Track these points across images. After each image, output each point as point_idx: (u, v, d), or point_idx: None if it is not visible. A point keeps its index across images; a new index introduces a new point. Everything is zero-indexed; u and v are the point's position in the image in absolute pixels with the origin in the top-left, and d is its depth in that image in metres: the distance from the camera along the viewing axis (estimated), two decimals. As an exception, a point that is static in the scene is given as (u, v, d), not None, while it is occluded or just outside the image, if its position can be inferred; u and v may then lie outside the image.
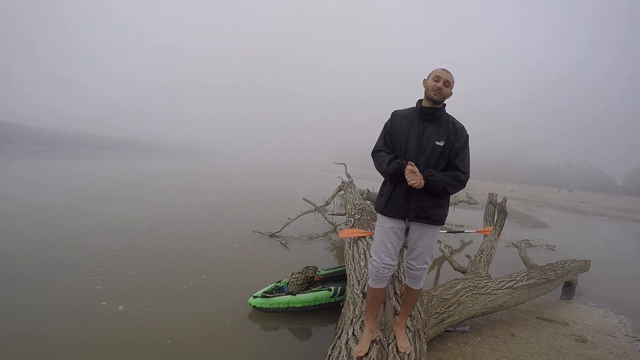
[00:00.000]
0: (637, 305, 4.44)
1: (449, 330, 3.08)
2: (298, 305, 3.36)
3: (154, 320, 3.03)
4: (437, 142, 1.91)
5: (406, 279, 2.15)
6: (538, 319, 3.72)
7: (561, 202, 26.88)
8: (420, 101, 2.01)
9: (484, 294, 3.24)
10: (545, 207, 20.26)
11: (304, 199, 8.16)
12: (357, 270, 3.16)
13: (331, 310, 3.46)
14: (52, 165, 22.70)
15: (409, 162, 1.87)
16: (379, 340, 2.12)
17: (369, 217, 4.97)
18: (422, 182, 1.84)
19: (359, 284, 2.90)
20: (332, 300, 3.49)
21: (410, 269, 2.08)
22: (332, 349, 2.15)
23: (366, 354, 1.99)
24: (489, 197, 5.32)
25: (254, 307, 3.29)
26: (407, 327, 2.28)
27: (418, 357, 2.08)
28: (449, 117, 2.00)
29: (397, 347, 2.08)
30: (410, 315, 2.40)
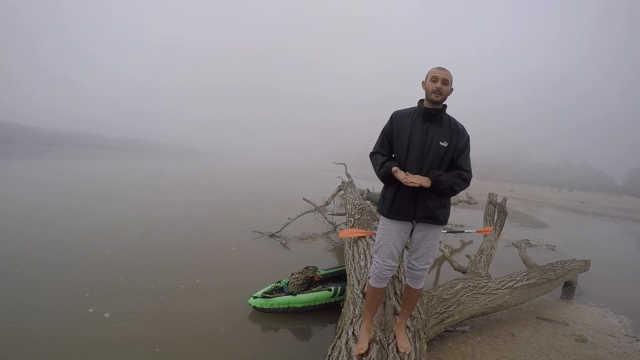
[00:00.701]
0: (637, 305, 4.44)
1: (449, 330, 3.08)
2: (298, 305, 3.36)
3: (141, 327, 2.91)
4: (441, 143, 1.92)
5: (407, 279, 2.15)
6: (538, 319, 3.72)
7: (561, 202, 26.88)
8: (421, 101, 2.01)
9: (484, 294, 3.24)
10: (545, 207, 20.26)
11: (304, 199, 8.16)
12: (357, 270, 3.16)
13: (331, 310, 3.46)
14: (51, 165, 22.72)
15: (395, 169, 1.87)
16: (379, 340, 2.12)
17: (369, 217, 4.97)
18: (426, 182, 1.84)
19: (359, 284, 2.90)
20: (332, 300, 3.49)
21: (412, 269, 2.08)
22: (332, 348, 2.15)
23: (366, 352, 1.99)
24: (489, 197, 5.33)
25: (254, 307, 3.28)
26: (407, 327, 2.28)
27: (418, 357, 2.08)
28: (450, 118, 2.01)
29: (397, 347, 2.08)
30: (410, 315, 2.40)
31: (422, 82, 1.98)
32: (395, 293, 2.69)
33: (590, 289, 4.86)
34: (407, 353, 2.05)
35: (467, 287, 3.19)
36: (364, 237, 3.87)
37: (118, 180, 15.33)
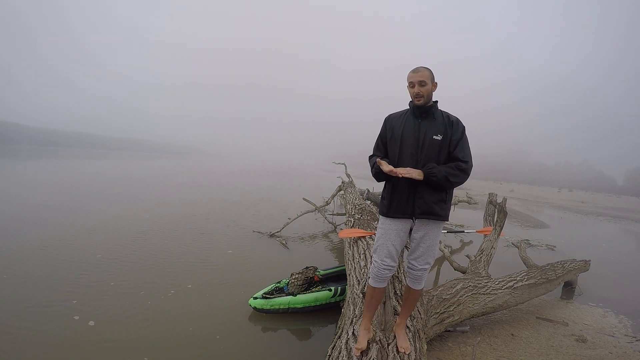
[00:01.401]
0: (637, 306, 4.44)
1: (449, 330, 3.08)
2: (299, 305, 3.36)
3: (127, 335, 2.78)
4: (434, 137, 1.91)
5: (407, 279, 2.15)
6: (538, 319, 3.72)
7: (561, 202, 26.88)
8: (412, 101, 2.01)
9: (484, 294, 3.24)
10: (545, 207, 20.26)
11: (304, 199, 8.16)
12: (357, 270, 3.16)
13: (331, 311, 3.46)
14: (49, 165, 22.73)
15: (379, 161, 1.89)
16: (379, 340, 2.12)
17: (369, 217, 4.97)
18: (417, 174, 1.83)
19: (359, 284, 2.90)
20: (333, 300, 3.49)
21: (412, 269, 2.07)
22: (332, 348, 2.15)
23: (365, 351, 1.99)
24: (489, 197, 5.33)
25: (255, 308, 3.27)
26: (407, 327, 2.28)
27: (418, 357, 2.08)
28: (443, 112, 2.00)
29: (397, 347, 2.08)
30: (410, 315, 2.40)
31: (407, 86, 2.00)
32: (395, 293, 2.69)
33: (590, 289, 4.86)
34: (407, 353, 2.05)
35: (467, 287, 3.19)
36: (364, 237, 3.87)
37: (116, 180, 15.30)
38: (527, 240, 7.88)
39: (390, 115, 2.11)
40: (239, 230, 6.84)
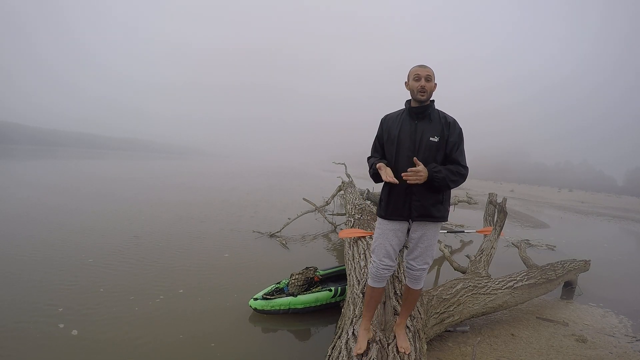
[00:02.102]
0: (638, 305, 4.44)
1: (449, 330, 3.08)
2: (299, 306, 3.35)
3: (113, 344, 2.64)
4: (431, 139, 1.89)
5: (406, 279, 2.15)
6: (538, 319, 3.72)
7: (561, 202, 26.88)
8: (408, 101, 2.01)
9: (484, 294, 3.24)
10: (545, 207, 20.26)
11: (304, 199, 8.17)
12: (357, 270, 3.16)
13: (331, 311, 3.46)
14: (46, 165, 22.74)
15: (379, 165, 1.89)
16: (379, 340, 2.12)
17: (369, 217, 4.97)
18: (422, 172, 1.81)
19: (359, 284, 2.90)
20: (333, 300, 3.49)
21: (411, 269, 2.07)
22: (332, 349, 2.15)
23: (365, 352, 1.99)
24: (489, 197, 5.33)
25: (255, 309, 3.26)
26: (407, 327, 2.28)
27: (418, 357, 2.08)
28: (440, 113, 1.98)
29: (397, 347, 2.08)
30: (410, 315, 2.40)
31: (405, 82, 1.98)
32: (395, 293, 2.69)
33: (591, 289, 4.86)
34: (407, 353, 2.04)
35: (467, 287, 3.19)
36: (364, 237, 3.87)
37: (113, 180, 15.25)
38: (527, 240, 7.88)
39: (386, 116, 2.10)
40: (237, 231, 6.82)
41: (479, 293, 3.22)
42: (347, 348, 2.07)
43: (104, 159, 40.05)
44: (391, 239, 2.01)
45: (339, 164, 10.39)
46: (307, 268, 3.66)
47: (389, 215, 1.99)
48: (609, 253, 8.00)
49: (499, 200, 4.56)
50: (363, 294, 2.64)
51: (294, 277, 3.52)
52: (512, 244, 7.19)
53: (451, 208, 9.95)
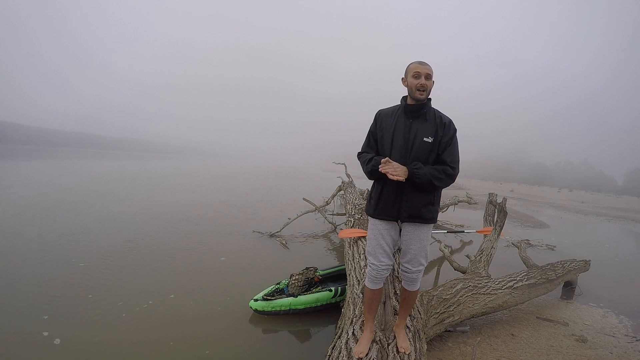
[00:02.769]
0: (638, 305, 4.44)
1: (449, 330, 3.08)
2: (300, 306, 3.35)
3: (98, 354, 2.53)
4: (425, 139, 1.86)
5: (403, 281, 2.14)
6: (538, 319, 3.72)
7: (561, 202, 26.87)
8: (404, 98, 1.96)
9: (484, 294, 3.24)
10: (545, 207, 20.25)
11: (304, 199, 8.17)
12: (357, 270, 3.16)
13: (331, 311, 3.45)
14: (44, 166, 22.72)
15: (385, 158, 1.83)
16: (379, 340, 2.12)
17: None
18: (402, 170, 1.78)
19: (359, 283, 2.90)
20: (333, 300, 3.48)
21: (407, 272, 2.05)
22: (332, 348, 2.15)
23: (366, 355, 1.99)
24: (489, 197, 5.33)
25: (255, 310, 3.24)
26: (407, 327, 2.28)
27: (418, 357, 2.07)
28: (436, 112, 1.94)
29: (397, 347, 2.08)
30: (410, 315, 2.40)
31: (402, 78, 1.93)
32: (395, 293, 2.69)
33: (591, 289, 4.86)
34: (407, 353, 2.04)
35: (467, 287, 3.19)
36: (364, 237, 3.87)
37: (111, 180, 15.23)
38: (527, 240, 7.88)
39: (380, 112, 2.03)
40: (236, 231, 6.81)
41: (479, 293, 3.22)
42: (347, 348, 2.06)
43: (104, 159, 40.04)
44: (386, 238, 2.01)
45: (339, 164, 10.39)
46: (307, 268, 3.66)
47: (377, 214, 1.98)
48: (610, 253, 8.00)
49: (499, 200, 4.56)
50: (363, 293, 2.64)
51: (294, 278, 3.51)
52: (512, 244, 7.19)
53: (451, 208, 9.99)
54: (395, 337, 2.16)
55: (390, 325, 2.28)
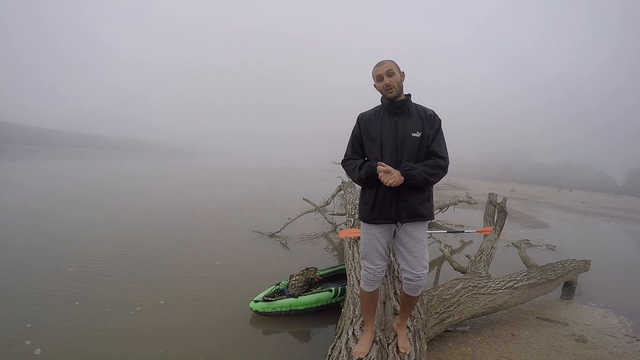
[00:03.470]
0: (638, 305, 4.44)
1: (449, 330, 3.08)
2: (301, 307, 3.35)
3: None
4: (413, 134, 1.85)
5: (404, 287, 2.06)
6: (538, 319, 3.72)
7: (561, 202, 26.85)
8: (384, 97, 1.94)
9: (484, 294, 3.24)
10: (545, 207, 20.23)
11: (304, 199, 8.17)
12: (357, 270, 3.16)
13: (331, 311, 3.46)
14: (42, 165, 22.71)
15: (378, 163, 1.81)
16: (379, 340, 2.12)
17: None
18: (400, 178, 1.77)
19: (359, 283, 2.90)
20: (333, 300, 3.49)
21: (411, 280, 1.95)
22: (332, 349, 2.15)
23: (366, 355, 1.99)
24: (489, 197, 5.33)
25: (256, 311, 3.24)
26: (407, 327, 2.28)
27: (418, 357, 2.07)
28: (418, 106, 1.94)
29: (397, 347, 2.08)
30: (410, 315, 2.39)
31: (373, 84, 1.93)
32: (395, 293, 2.69)
33: (591, 289, 4.86)
34: (407, 353, 2.04)
35: (467, 287, 3.19)
36: (364, 237, 3.87)
37: (108, 180, 15.20)
38: (527, 240, 7.88)
39: (362, 114, 2.00)
40: (235, 232, 6.81)
41: (479, 293, 3.22)
42: (347, 348, 2.07)
43: (103, 159, 40.04)
44: (381, 241, 1.98)
45: (338, 164, 10.39)
46: (307, 269, 3.66)
47: (374, 218, 1.93)
48: (610, 253, 8.00)
49: (499, 200, 4.56)
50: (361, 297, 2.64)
51: (294, 279, 3.51)
52: (512, 244, 7.19)
53: (451, 208, 9.98)
54: (395, 337, 2.16)
55: (390, 325, 2.28)
